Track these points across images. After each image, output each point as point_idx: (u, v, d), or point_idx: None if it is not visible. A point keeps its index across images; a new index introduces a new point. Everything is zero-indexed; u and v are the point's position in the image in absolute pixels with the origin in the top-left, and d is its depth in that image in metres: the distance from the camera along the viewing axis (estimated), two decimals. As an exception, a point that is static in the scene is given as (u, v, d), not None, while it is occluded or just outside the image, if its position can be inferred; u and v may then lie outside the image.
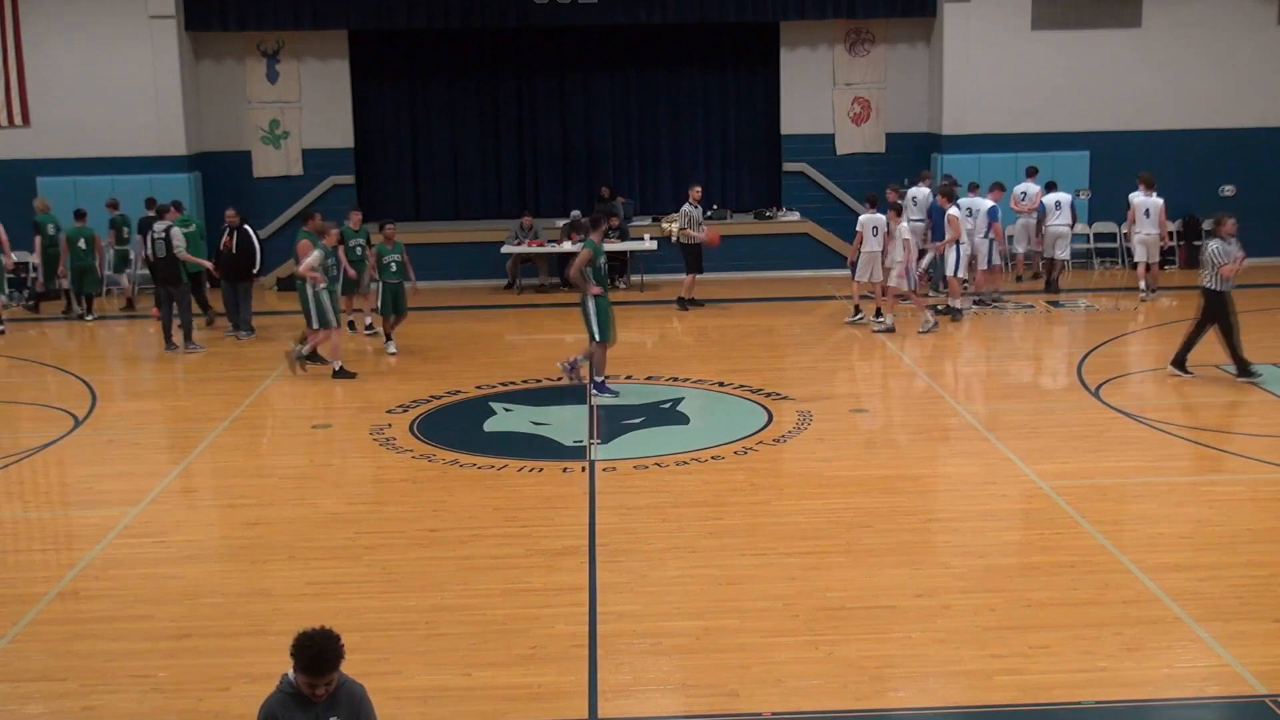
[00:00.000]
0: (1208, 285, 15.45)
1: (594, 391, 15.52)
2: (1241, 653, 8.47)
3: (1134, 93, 24.04)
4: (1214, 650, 8.54)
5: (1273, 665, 8.29)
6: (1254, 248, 24.18)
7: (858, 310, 19.73)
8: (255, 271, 19.82)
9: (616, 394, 15.54)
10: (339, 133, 24.66)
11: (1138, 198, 21.52)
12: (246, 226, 19.66)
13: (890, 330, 18.75)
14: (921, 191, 21.80)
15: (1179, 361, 15.84)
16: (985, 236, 20.68)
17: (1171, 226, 23.80)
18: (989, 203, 20.92)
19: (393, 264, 17.94)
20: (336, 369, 16.92)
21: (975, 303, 20.76)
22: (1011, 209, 22.62)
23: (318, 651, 5.68)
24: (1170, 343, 18.24)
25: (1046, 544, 10.59)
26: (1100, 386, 15.57)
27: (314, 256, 16.69)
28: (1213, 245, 15.53)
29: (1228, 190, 24.37)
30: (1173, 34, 23.93)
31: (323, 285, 16.71)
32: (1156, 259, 21.60)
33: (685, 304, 21.33)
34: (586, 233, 15.79)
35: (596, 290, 15.40)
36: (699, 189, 21.96)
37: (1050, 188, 22.53)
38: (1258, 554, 10.22)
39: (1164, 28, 23.93)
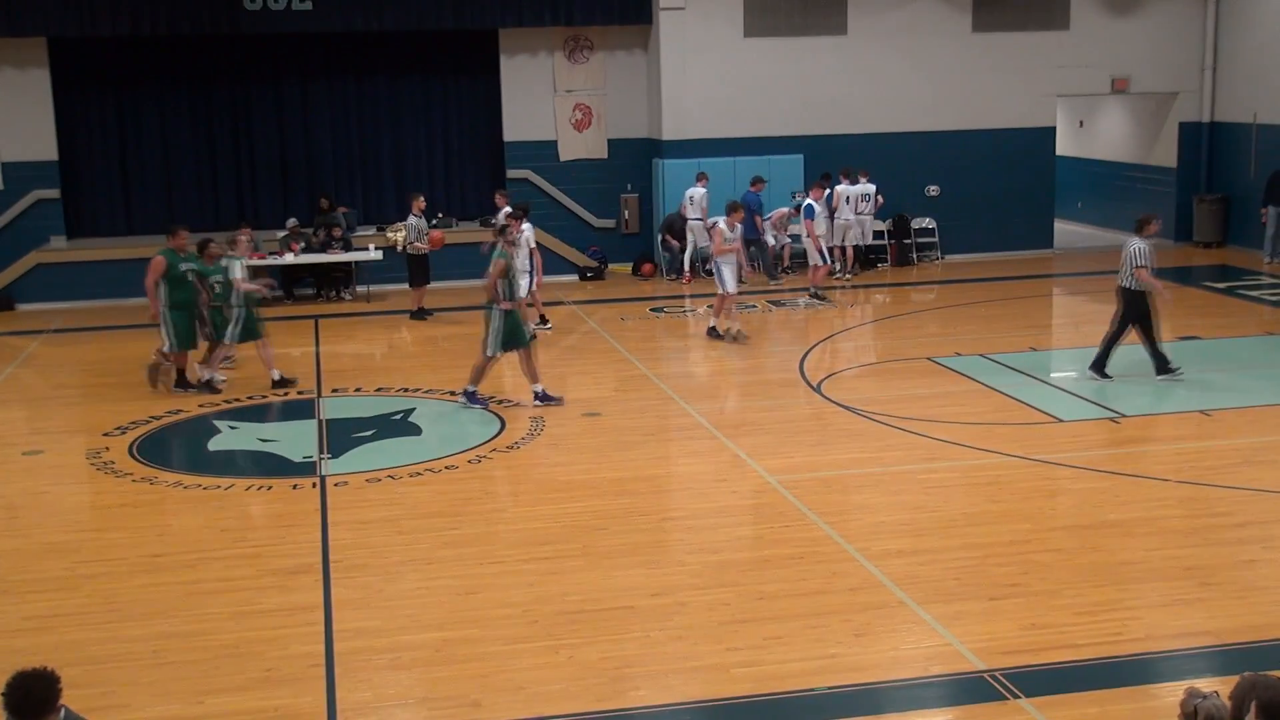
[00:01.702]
0: (1126, 285, 15.33)
1: (463, 401, 15.24)
2: (961, 631, 8.88)
3: (843, 97, 24.90)
4: (936, 631, 8.92)
5: (990, 641, 8.72)
6: (957, 245, 25.57)
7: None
8: None
9: (486, 405, 15.25)
10: (41, 145, 23.46)
11: (841, 187, 23.12)
12: None
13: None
14: (699, 191, 23.11)
15: (1099, 364, 15.69)
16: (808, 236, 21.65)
17: (882, 226, 24.82)
18: (809, 201, 21.68)
19: (215, 284, 16.42)
20: (276, 378, 16.51)
21: (812, 296, 21.56)
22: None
23: (24, 693, 5.35)
24: (884, 338, 18.99)
25: (776, 537, 10.88)
26: (821, 382, 16.08)
27: (239, 268, 16.26)
28: (1134, 245, 15.25)
29: (933, 190, 25.50)
30: (876, 41, 24.89)
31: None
32: (854, 243, 23.22)
33: (422, 315, 21.08)
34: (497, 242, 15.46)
35: (507, 305, 14.97)
36: (422, 199, 21.77)
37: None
38: (972, 536, 10.73)
39: (868, 35, 24.87)
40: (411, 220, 21.37)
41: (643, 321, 20.50)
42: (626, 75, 25.12)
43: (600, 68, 25.06)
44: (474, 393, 15.32)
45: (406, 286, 21.61)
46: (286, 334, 20.54)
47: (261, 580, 10.20)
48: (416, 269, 21.30)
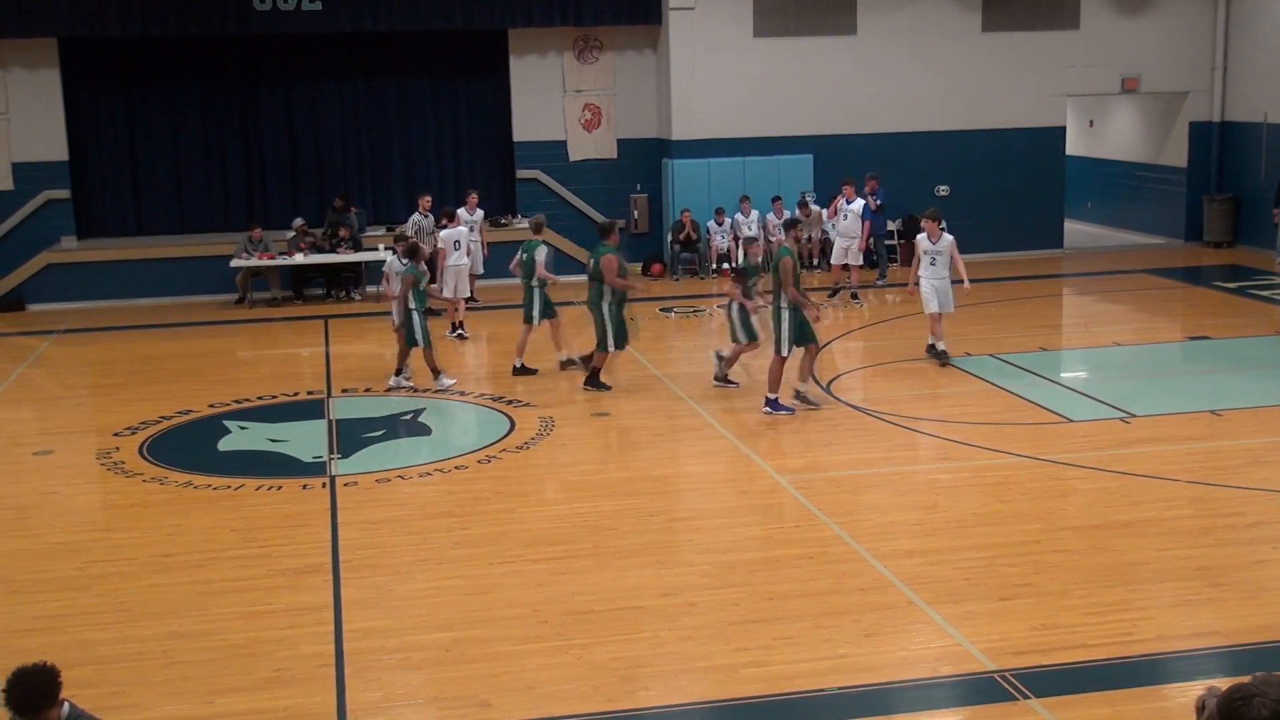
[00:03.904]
0: None
1: (768, 410, 14.57)
2: (971, 632, 8.86)
3: (852, 97, 24.87)
4: (945, 631, 8.91)
5: (1000, 642, 8.70)
6: (967, 244, 25.40)
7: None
8: None
9: (793, 411, 14.60)
10: (52, 145, 23.53)
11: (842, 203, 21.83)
12: None
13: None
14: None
15: None
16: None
17: (891, 225, 24.78)
18: (861, 201, 21.47)
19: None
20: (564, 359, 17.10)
21: (830, 294, 21.33)
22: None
23: (24, 690, 5.37)
24: (893, 338, 18.92)
25: (786, 537, 10.88)
26: (831, 382, 16.07)
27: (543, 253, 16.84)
28: None
29: (942, 190, 25.44)
30: (886, 41, 24.86)
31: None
32: (857, 260, 21.53)
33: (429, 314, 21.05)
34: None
35: (799, 304, 14.45)
36: (428, 198, 21.78)
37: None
38: (982, 537, 10.71)
39: (877, 35, 24.84)
40: (416, 218, 21.37)
41: (652, 321, 20.48)
42: (636, 75, 25.12)
43: (610, 68, 25.07)
44: (775, 400, 14.61)
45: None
46: (296, 334, 20.61)
47: (271, 580, 10.21)
48: None
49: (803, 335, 14.63)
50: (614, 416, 14.95)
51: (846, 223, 21.19)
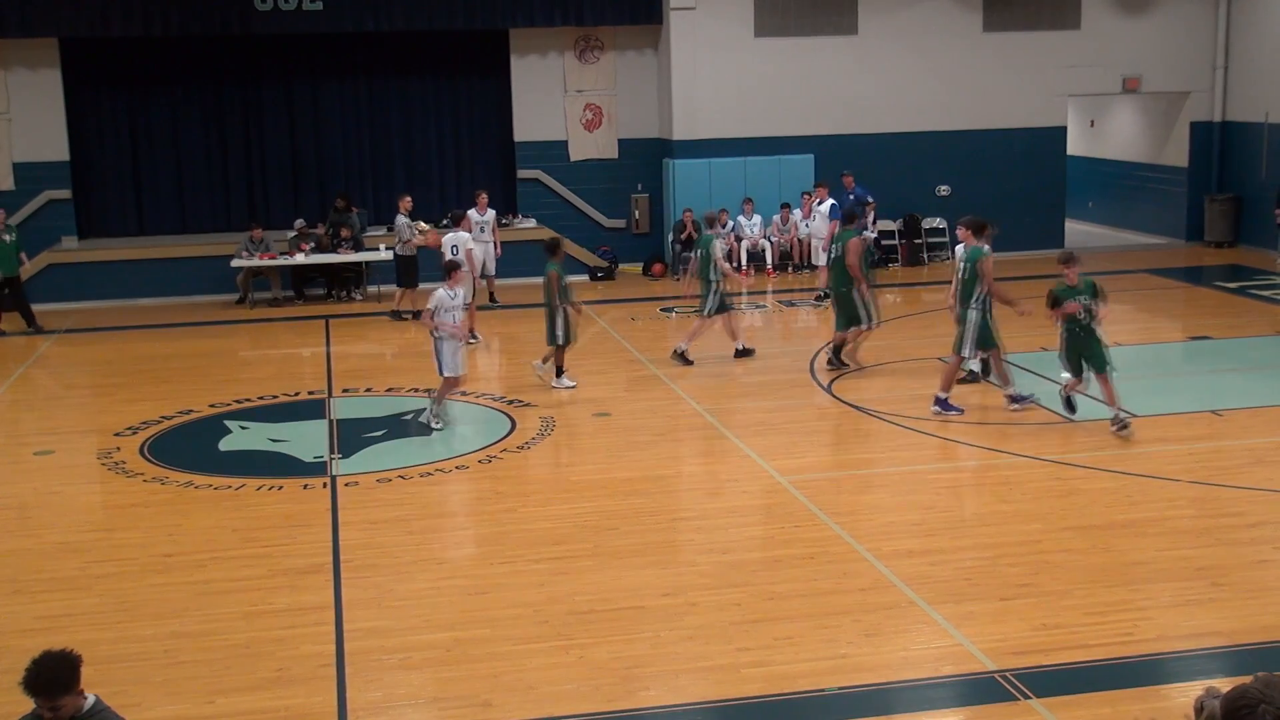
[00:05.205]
0: None
1: (937, 410, 14.32)
2: (972, 632, 8.86)
3: (854, 97, 24.89)
4: (946, 631, 8.91)
5: (1000, 642, 8.70)
6: (969, 244, 25.40)
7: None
8: None
9: (961, 411, 14.35)
10: (53, 145, 23.56)
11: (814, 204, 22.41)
12: None
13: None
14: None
15: None
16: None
17: (893, 225, 24.81)
18: (831, 201, 21.62)
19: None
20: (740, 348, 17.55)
21: (818, 298, 21.33)
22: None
23: (37, 672, 5.41)
24: (894, 338, 18.91)
25: (787, 537, 10.87)
26: (832, 382, 16.06)
27: (719, 246, 17.17)
28: None
29: (943, 190, 25.45)
30: (887, 41, 24.87)
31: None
32: (821, 260, 21.57)
33: (398, 316, 20.98)
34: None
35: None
36: (408, 199, 21.66)
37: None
38: (983, 537, 10.71)
39: (879, 35, 24.86)
40: (400, 221, 21.28)
41: (653, 322, 20.50)
42: (637, 75, 25.13)
43: (611, 68, 25.07)
44: (945, 399, 14.37)
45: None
46: (297, 334, 20.61)
47: (272, 580, 10.21)
48: (405, 270, 21.20)
49: (986, 341, 14.55)
50: (614, 416, 14.95)
51: (816, 223, 21.59)
